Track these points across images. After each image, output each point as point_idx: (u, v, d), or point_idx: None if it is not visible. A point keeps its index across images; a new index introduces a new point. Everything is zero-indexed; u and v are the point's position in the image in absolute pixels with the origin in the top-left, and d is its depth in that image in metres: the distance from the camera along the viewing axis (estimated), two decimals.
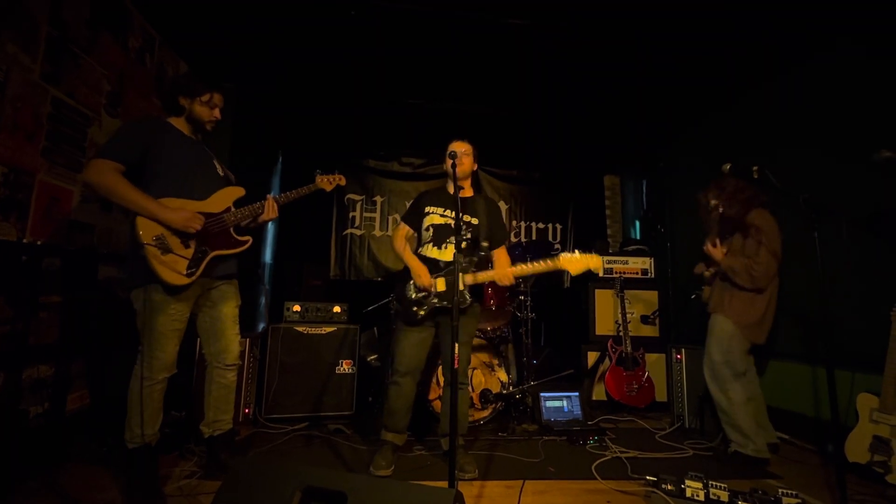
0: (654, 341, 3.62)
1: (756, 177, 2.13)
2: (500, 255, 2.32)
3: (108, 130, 2.43)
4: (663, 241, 4.17)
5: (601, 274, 2.17)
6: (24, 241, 1.92)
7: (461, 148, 2.29)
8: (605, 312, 3.70)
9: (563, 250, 4.69)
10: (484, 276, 2.13)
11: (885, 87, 2.44)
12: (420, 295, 2.16)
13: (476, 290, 2.22)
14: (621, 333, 3.41)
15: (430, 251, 2.23)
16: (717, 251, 2.44)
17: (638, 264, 3.85)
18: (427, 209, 2.29)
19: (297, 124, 4.21)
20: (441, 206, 2.28)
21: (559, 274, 4.73)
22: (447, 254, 2.18)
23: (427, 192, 2.42)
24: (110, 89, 2.50)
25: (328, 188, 2.22)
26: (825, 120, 2.75)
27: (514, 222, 4.75)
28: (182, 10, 2.78)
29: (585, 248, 2.06)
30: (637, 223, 4.79)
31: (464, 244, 2.02)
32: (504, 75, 3.47)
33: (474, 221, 2.25)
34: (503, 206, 4.76)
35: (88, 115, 2.35)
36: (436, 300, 2.14)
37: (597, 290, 3.74)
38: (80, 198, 2.30)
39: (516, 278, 2.07)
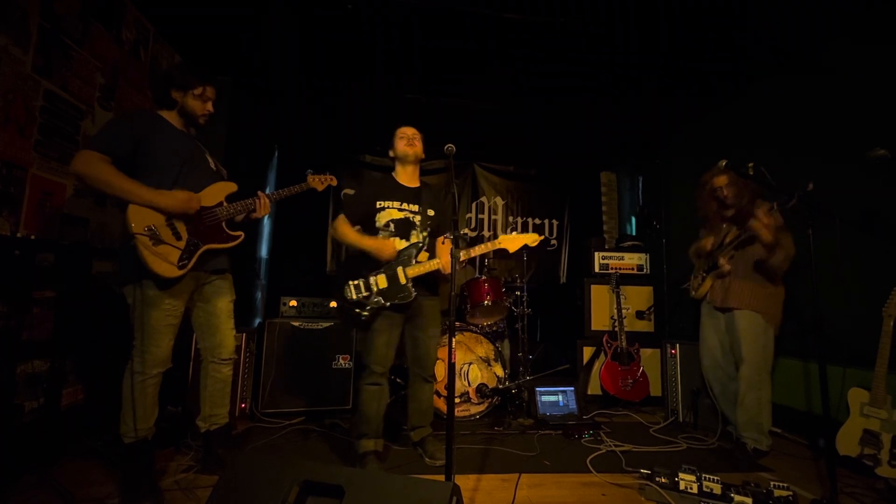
0: (648, 336, 3.65)
1: (751, 174, 2.14)
2: (443, 242, 2.28)
3: (102, 124, 2.40)
4: (659, 238, 4.19)
5: (533, 244, 2.13)
6: (18, 235, 1.90)
7: (412, 131, 2.23)
8: (601, 308, 3.72)
9: (559, 246, 4.76)
10: (427, 267, 2.08)
11: (879, 86, 2.45)
12: (361, 296, 2.07)
13: (428, 281, 2.18)
14: (616, 329, 3.44)
15: (399, 244, 2.15)
16: (770, 224, 2.19)
17: (633, 260, 3.88)
18: (381, 204, 2.18)
19: (293, 119, 4.18)
20: (397, 200, 2.19)
21: (555, 270, 4.76)
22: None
23: (372, 185, 2.31)
24: (104, 82, 2.47)
25: (319, 188, 2.19)
26: (821, 117, 2.77)
27: (510, 218, 4.75)
28: (176, 2, 2.75)
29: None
30: (633, 219, 4.81)
31: (425, 236, 2.14)
32: (500, 70, 3.46)
33: (431, 213, 2.23)
34: (500, 201, 4.76)
35: (82, 109, 2.32)
36: (378, 299, 2.06)
37: (592, 286, 3.76)
38: (73, 192, 2.28)
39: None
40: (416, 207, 2.21)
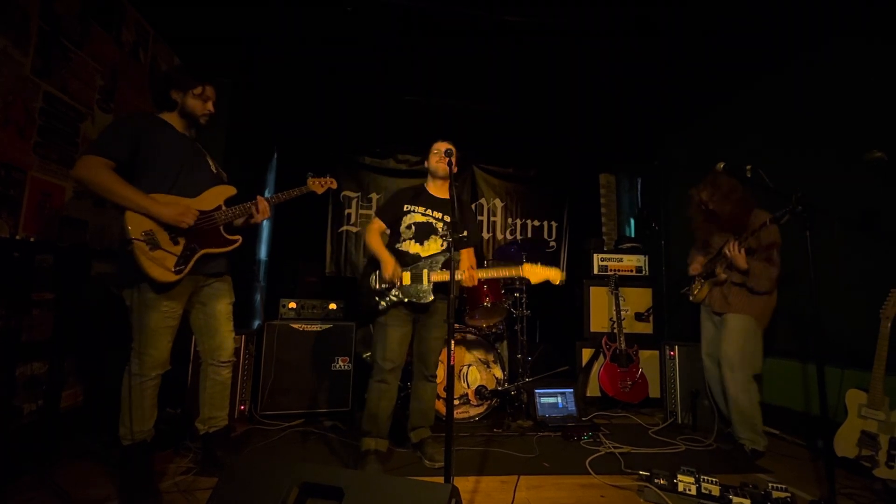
0: (647, 338, 3.65)
1: (749, 176, 2.15)
2: (468, 256, 2.33)
3: (102, 126, 2.40)
4: (657, 239, 4.20)
5: (558, 282, 2.04)
6: (17, 237, 1.90)
7: (445, 147, 2.22)
8: (600, 309, 3.72)
9: (558, 248, 4.76)
10: (448, 276, 2.08)
11: (876, 86, 2.46)
12: (383, 286, 2.15)
13: (444, 286, 2.16)
14: (615, 330, 3.44)
15: (412, 247, 2.22)
16: (740, 256, 2.34)
17: (632, 262, 3.88)
18: (407, 208, 2.26)
19: (292, 120, 4.19)
20: (423, 206, 2.27)
21: None
22: (428, 250, 2.21)
23: (405, 191, 2.39)
24: (103, 84, 2.48)
25: (319, 191, 2.21)
26: (818, 119, 2.78)
27: (509, 220, 4.76)
28: (176, 4, 2.76)
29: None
30: (632, 221, 4.82)
31: (444, 243, 2.16)
32: (500, 72, 3.48)
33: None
34: (499, 203, 4.77)
35: (81, 111, 2.33)
36: (397, 293, 2.13)
37: (591, 288, 3.76)
38: (72, 194, 2.28)
39: (480, 281, 2.18)
40: (440, 214, 2.27)
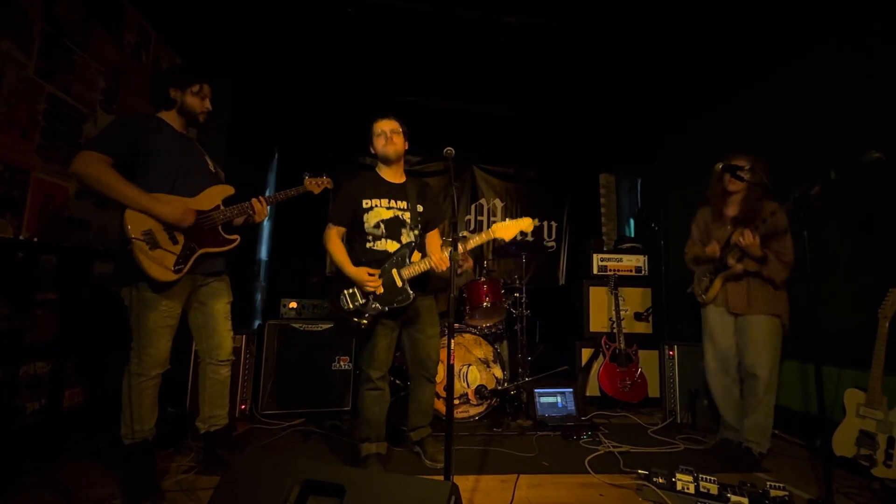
0: (647, 338, 3.66)
1: (748, 176, 2.16)
2: (434, 239, 2.21)
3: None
4: (657, 240, 4.20)
5: (531, 232, 2.05)
6: (21, 237, 1.91)
7: (390, 126, 2.13)
8: (599, 309, 3.73)
9: (558, 248, 4.77)
10: (421, 267, 2.01)
11: (876, 86, 2.47)
12: (358, 304, 2.00)
13: (421, 281, 2.09)
14: (615, 330, 3.45)
15: (390, 245, 2.09)
16: (755, 244, 2.20)
17: (632, 262, 3.89)
18: (368, 203, 2.09)
19: (292, 121, 4.20)
20: (385, 198, 2.11)
21: (554, 271, 4.77)
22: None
23: (355, 184, 2.16)
24: (105, 86, 2.49)
25: (316, 191, 2.19)
26: (818, 119, 2.79)
27: (509, 220, 4.76)
28: (177, 6, 2.77)
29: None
30: (632, 221, 4.82)
31: (416, 234, 2.09)
32: (500, 73, 3.49)
33: (420, 209, 2.16)
34: (499, 203, 4.78)
35: (84, 112, 2.34)
36: (375, 305, 1.98)
37: (591, 288, 3.77)
38: (74, 195, 2.29)
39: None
40: (404, 204, 2.13)
